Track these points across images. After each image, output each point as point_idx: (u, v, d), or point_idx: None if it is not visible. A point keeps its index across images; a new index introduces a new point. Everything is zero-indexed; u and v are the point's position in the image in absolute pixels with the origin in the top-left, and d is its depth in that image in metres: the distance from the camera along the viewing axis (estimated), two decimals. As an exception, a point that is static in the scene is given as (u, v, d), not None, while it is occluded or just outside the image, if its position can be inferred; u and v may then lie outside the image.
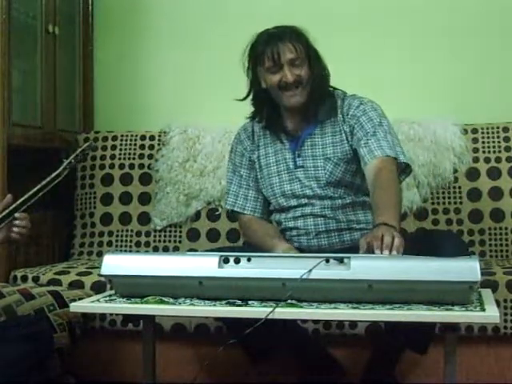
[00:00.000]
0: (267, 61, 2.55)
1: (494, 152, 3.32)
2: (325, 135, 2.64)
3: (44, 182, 2.38)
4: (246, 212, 2.72)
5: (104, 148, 3.54)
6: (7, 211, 2.31)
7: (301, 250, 2.63)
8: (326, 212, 2.62)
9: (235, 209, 2.73)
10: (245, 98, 2.68)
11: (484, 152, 3.33)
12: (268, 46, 2.54)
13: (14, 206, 2.32)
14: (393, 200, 2.38)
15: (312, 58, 2.58)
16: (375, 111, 2.61)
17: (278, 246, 2.54)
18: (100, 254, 3.39)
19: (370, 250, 2.17)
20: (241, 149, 2.75)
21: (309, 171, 2.64)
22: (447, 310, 1.95)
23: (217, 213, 3.41)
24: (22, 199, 2.34)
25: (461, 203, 3.30)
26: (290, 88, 2.55)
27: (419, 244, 2.31)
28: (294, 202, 2.66)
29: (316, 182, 2.63)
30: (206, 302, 2.07)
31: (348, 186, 2.63)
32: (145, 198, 3.49)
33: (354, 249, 2.45)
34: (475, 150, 3.33)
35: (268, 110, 2.66)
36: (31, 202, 2.35)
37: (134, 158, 3.52)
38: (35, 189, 2.36)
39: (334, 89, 2.68)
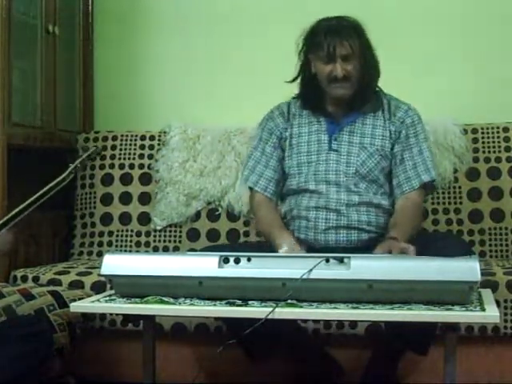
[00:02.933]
0: (321, 52, 2.61)
1: (494, 152, 3.32)
2: (365, 125, 2.69)
3: (50, 185, 2.38)
4: (256, 188, 2.73)
5: (104, 148, 3.54)
6: (13, 212, 2.30)
7: (307, 242, 2.63)
8: (340, 208, 2.64)
9: (248, 183, 2.77)
10: (294, 80, 2.73)
11: (484, 152, 3.33)
12: (326, 38, 2.60)
13: (20, 207, 2.31)
14: (408, 222, 2.58)
15: (365, 54, 2.64)
16: (421, 124, 2.73)
17: (284, 237, 2.57)
18: (100, 254, 3.39)
19: None
20: (271, 125, 2.77)
21: (341, 156, 2.66)
22: (447, 309, 1.95)
23: (217, 213, 3.41)
24: (29, 201, 2.33)
25: (461, 203, 3.30)
26: (338, 81, 2.61)
27: (422, 248, 2.32)
28: (312, 186, 2.67)
29: (346, 167, 2.66)
30: (206, 302, 2.07)
31: (372, 182, 2.67)
32: (145, 198, 3.49)
33: (359, 249, 2.47)
34: (475, 150, 3.33)
35: (313, 93, 2.70)
36: (37, 204, 2.34)
37: (134, 158, 3.52)
38: (40, 192, 2.36)
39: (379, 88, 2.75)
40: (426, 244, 2.41)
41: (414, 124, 2.70)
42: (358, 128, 2.69)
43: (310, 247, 2.61)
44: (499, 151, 3.31)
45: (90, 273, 2.98)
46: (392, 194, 2.69)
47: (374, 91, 2.71)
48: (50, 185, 2.38)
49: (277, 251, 2.53)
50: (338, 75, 2.60)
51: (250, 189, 2.78)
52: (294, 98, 2.79)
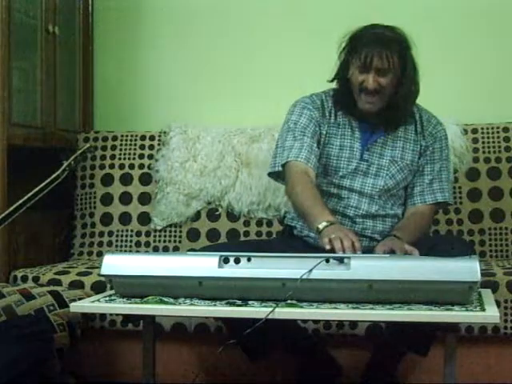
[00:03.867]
0: (358, 59, 2.54)
1: (494, 152, 3.32)
2: (397, 138, 2.67)
3: (43, 184, 2.38)
4: (299, 159, 2.57)
5: (104, 148, 3.54)
6: (7, 212, 2.31)
7: (315, 241, 2.59)
8: (356, 217, 2.64)
9: (289, 159, 2.58)
10: (333, 80, 2.66)
11: (484, 152, 3.33)
12: (365, 46, 2.52)
13: (14, 206, 2.32)
14: (415, 229, 2.58)
15: (404, 72, 2.56)
16: (447, 140, 2.72)
17: (325, 214, 2.40)
18: (100, 254, 3.39)
19: None
20: (310, 114, 2.65)
21: (371, 168, 2.64)
22: (447, 309, 1.95)
23: (217, 213, 3.41)
24: (22, 200, 2.34)
25: (461, 203, 3.30)
26: (367, 92, 2.56)
27: (424, 250, 2.32)
28: (334, 190, 2.66)
29: (374, 180, 2.64)
30: (206, 302, 2.07)
31: (394, 195, 2.67)
32: (145, 198, 3.49)
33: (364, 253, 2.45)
34: (475, 150, 3.33)
35: (347, 96, 2.63)
36: (31, 203, 2.35)
37: (134, 158, 3.52)
38: (35, 190, 2.36)
39: None
40: (429, 246, 2.41)
41: (442, 139, 2.69)
42: (389, 140, 2.66)
43: (317, 247, 2.60)
44: (499, 151, 3.32)
45: (90, 273, 2.98)
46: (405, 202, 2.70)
47: (408, 111, 2.65)
48: (44, 183, 2.38)
49: (314, 227, 2.38)
50: (369, 86, 2.53)
51: (289, 165, 2.60)
52: (325, 93, 2.70)
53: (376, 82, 2.53)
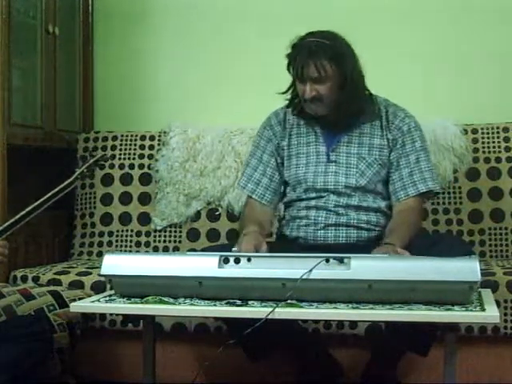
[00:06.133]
0: (294, 70, 2.58)
1: (494, 152, 3.32)
2: (363, 135, 2.67)
3: (56, 190, 2.38)
4: (253, 196, 2.71)
5: (104, 148, 3.54)
6: (19, 215, 2.30)
7: (306, 241, 2.63)
8: (339, 209, 2.64)
9: (245, 191, 2.75)
10: (286, 92, 2.68)
11: (484, 152, 3.33)
12: (297, 56, 2.55)
13: (26, 210, 2.31)
14: (406, 228, 2.55)
15: (344, 74, 2.56)
16: (419, 131, 2.69)
17: (245, 240, 2.46)
18: (100, 254, 3.39)
19: None
20: (269, 134, 2.74)
21: (340, 167, 2.65)
22: (447, 309, 1.95)
23: (217, 213, 3.41)
24: (34, 205, 2.33)
25: (461, 203, 3.30)
26: (307, 102, 2.58)
27: (422, 249, 2.32)
28: (312, 194, 2.67)
29: (345, 178, 2.64)
30: (206, 301, 2.07)
31: (370, 191, 2.66)
32: (145, 198, 3.49)
33: (357, 246, 2.46)
34: (475, 150, 3.33)
35: (299, 103, 2.66)
36: (41, 209, 2.34)
37: (134, 158, 3.52)
38: (47, 195, 2.35)
39: (371, 94, 2.69)
40: (427, 246, 2.41)
41: (411, 131, 2.67)
42: (355, 138, 2.66)
43: (309, 245, 2.61)
44: (499, 151, 3.31)
45: (90, 273, 2.99)
46: (389, 198, 2.69)
47: (360, 109, 2.64)
48: (55, 190, 2.38)
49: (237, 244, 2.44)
50: (306, 96, 2.56)
51: (249, 196, 2.74)
52: (285, 106, 2.74)
53: (314, 91, 2.56)
